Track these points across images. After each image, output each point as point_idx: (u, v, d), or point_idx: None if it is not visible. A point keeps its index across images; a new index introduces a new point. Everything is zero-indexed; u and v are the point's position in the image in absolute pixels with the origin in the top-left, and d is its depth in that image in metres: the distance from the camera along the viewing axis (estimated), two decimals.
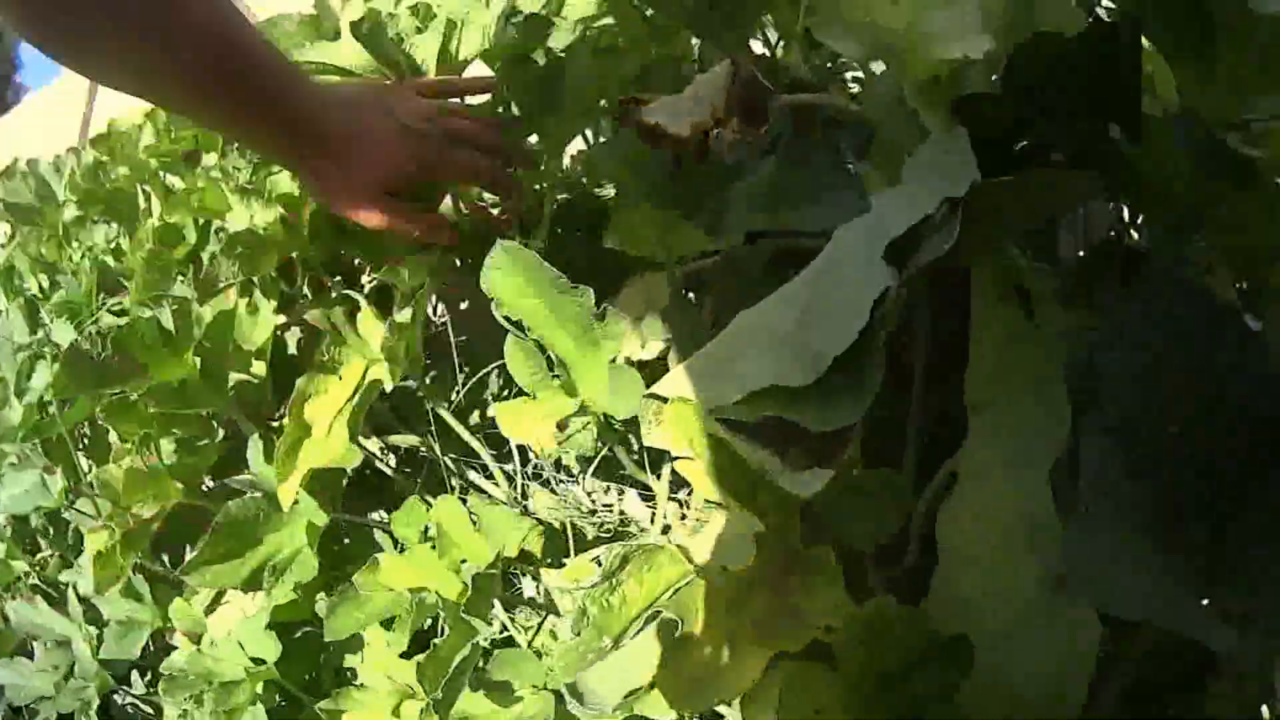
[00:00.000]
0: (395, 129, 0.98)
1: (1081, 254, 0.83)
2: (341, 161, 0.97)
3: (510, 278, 0.79)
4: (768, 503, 0.54)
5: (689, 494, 0.88)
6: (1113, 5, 0.79)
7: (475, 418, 1.09)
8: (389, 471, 1.09)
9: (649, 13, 1.01)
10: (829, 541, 0.57)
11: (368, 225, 1.00)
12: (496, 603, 0.94)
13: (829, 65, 1.07)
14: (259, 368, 1.20)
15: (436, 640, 0.83)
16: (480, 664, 0.85)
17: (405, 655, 0.97)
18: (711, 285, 0.82)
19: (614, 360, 0.76)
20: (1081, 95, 0.59)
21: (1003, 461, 0.58)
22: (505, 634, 0.93)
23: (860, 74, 1.07)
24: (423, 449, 1.07)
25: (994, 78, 0.65)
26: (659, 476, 0.87)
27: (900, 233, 0.54)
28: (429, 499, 0.96)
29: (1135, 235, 0.86)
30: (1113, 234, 0.86)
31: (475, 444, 0.99)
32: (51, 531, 1.63)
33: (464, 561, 0.87)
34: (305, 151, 0.97)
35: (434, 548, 0.90)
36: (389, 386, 0.92)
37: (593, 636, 0.55)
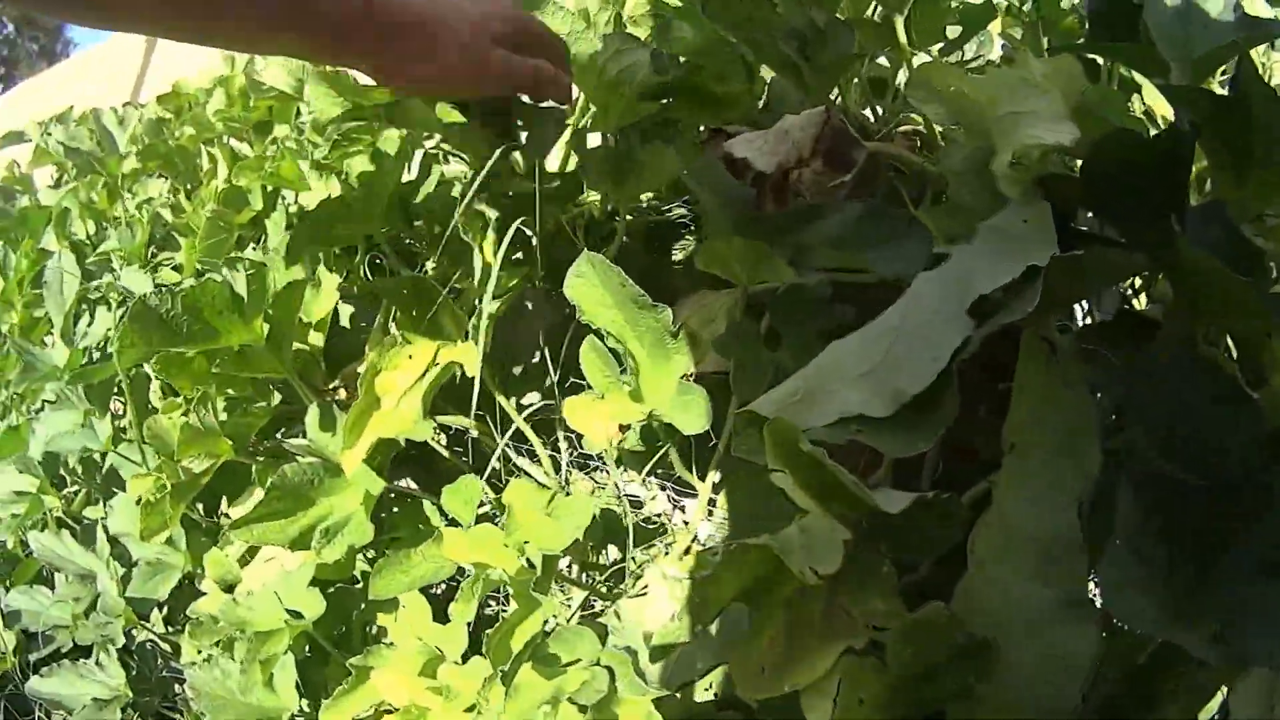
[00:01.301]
0: (479, 19, 0.96)
1: (1097, 315, 0.93)
2: (424, 51, 0.94)
3: (592, 287, 0.87)
4: (836, 512, 0.62)
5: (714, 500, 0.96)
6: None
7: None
8: (438, 448, 1.15)
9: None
10: (879, 550, 0.65)
11: (475, 94, 1.01)
12: None
13: (885, 114, 1.16)
14: (316, 339, 1.27)
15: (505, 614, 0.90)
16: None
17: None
18: (773, 311, 0.90)
19: (684, 377, 0.85)
20: (1147, 186, 0.68)
21: (1032, 498, 0.65)
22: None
23: (913, 125, 1.15)
24: (470, 430, 1.13)
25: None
26: (704, 478, 0.94)
27: (988, 291, 0.62)
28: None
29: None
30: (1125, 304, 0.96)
31: (526, 429, 1.05)
32: (79, 469, 1.69)
33: (526, 543, 0.93)
34: (369, 46, 0.93)
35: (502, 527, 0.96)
36: (473, 372, 0.99)
37: (689, 622, 0.63)
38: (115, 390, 1.51)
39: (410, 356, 1.04)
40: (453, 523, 1.05)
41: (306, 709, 1.24)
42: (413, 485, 1.22)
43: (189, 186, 1.60)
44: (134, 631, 1.58)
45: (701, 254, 0.83)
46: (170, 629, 1.56)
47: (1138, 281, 0.96)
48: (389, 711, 1.08)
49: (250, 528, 1.08)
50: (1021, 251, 0.64)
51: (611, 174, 1.00)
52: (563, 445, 1.08)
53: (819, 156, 0.91)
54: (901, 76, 1.18)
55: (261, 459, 1.25)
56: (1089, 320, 0.91)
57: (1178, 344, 0.73)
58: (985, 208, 0.76)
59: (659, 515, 1.06)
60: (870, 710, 0.62)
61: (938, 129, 1.05)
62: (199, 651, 1.43)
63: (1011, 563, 0.64)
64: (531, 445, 1.08)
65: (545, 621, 0.89)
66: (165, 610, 1.56)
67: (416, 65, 0.95)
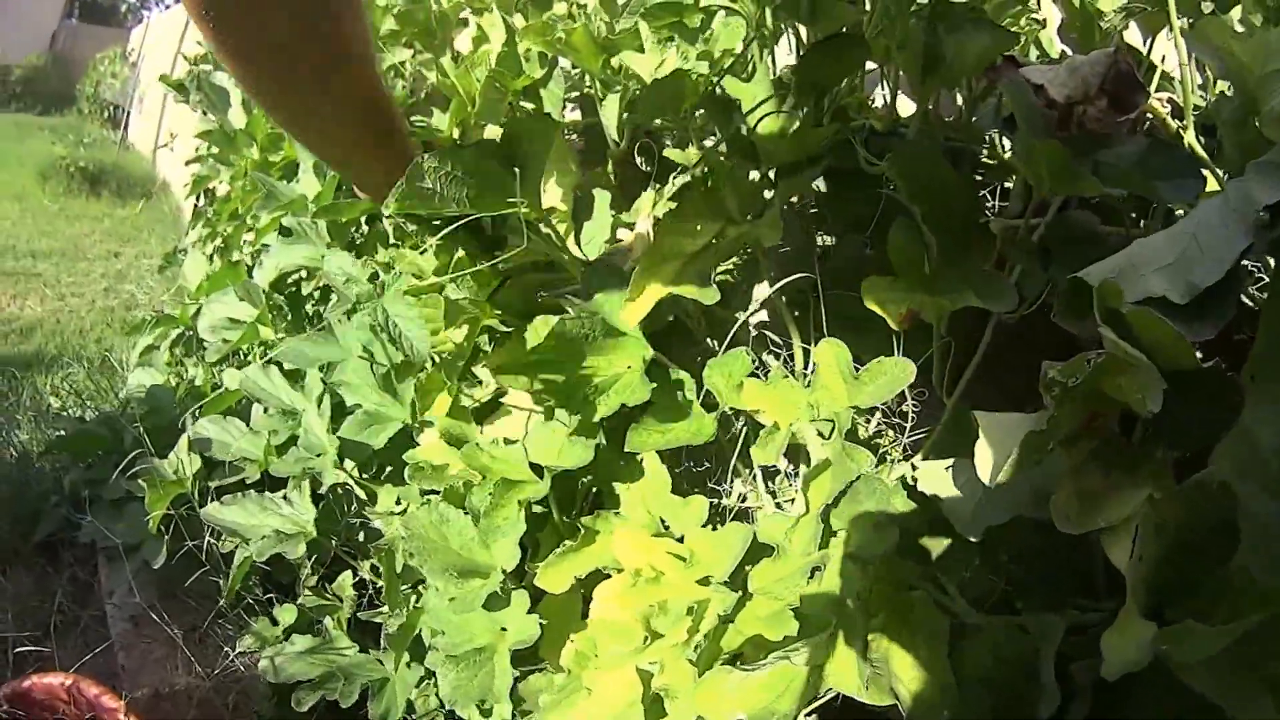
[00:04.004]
0: None
1: None
2: None
3: (914, 165, 1.07)
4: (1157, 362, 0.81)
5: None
6: None
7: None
8: (694, 328, 1.36)
9: None
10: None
11: None
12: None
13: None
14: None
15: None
16: None
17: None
18: (1050, 229, 1.12)
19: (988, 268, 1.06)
20: None
21: (1275, 421, 0.84)
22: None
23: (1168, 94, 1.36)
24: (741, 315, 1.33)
25: None
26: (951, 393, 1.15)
27: (1270, 202, 0.83)
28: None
29: None
30: None
31: (788, 319, 1.25)
32: (290, 315, 1.93)
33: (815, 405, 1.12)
34: None
35: (807, 385, 1.15)
36: (769, 244, 1.21)
37: (1018, 463, 0.85)
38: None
39: (698, 228, 1.25)
40: (707, 402, 1.25)
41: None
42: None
43: (441, 57, 1.81)
44: (323, 475, 1.79)
45: (1018, 154, 1.04)
46: (365, 477, 1.78)
47: None
48: (606, 576, 1.24)
49: (518, 376, 1.25)
50: None
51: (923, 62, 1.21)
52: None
53: (1104, 95, 1.12)
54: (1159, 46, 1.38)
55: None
56: None
57: None
58: (1251, 151, 0.97)
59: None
60: (1146, 569, 0.81)
61: (1193, 99, 1.25)
62: (398, 500, 1.67)
63: (1252, 478, 0.83)
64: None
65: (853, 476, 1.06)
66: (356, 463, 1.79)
67: None
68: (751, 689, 1.02)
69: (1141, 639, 0.78)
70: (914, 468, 1.08)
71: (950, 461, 1.05)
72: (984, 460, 0.90)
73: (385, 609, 1.65)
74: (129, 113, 14.20)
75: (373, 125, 1.29)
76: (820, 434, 1.13)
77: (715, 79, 1.34)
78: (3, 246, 7.36)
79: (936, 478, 1.04)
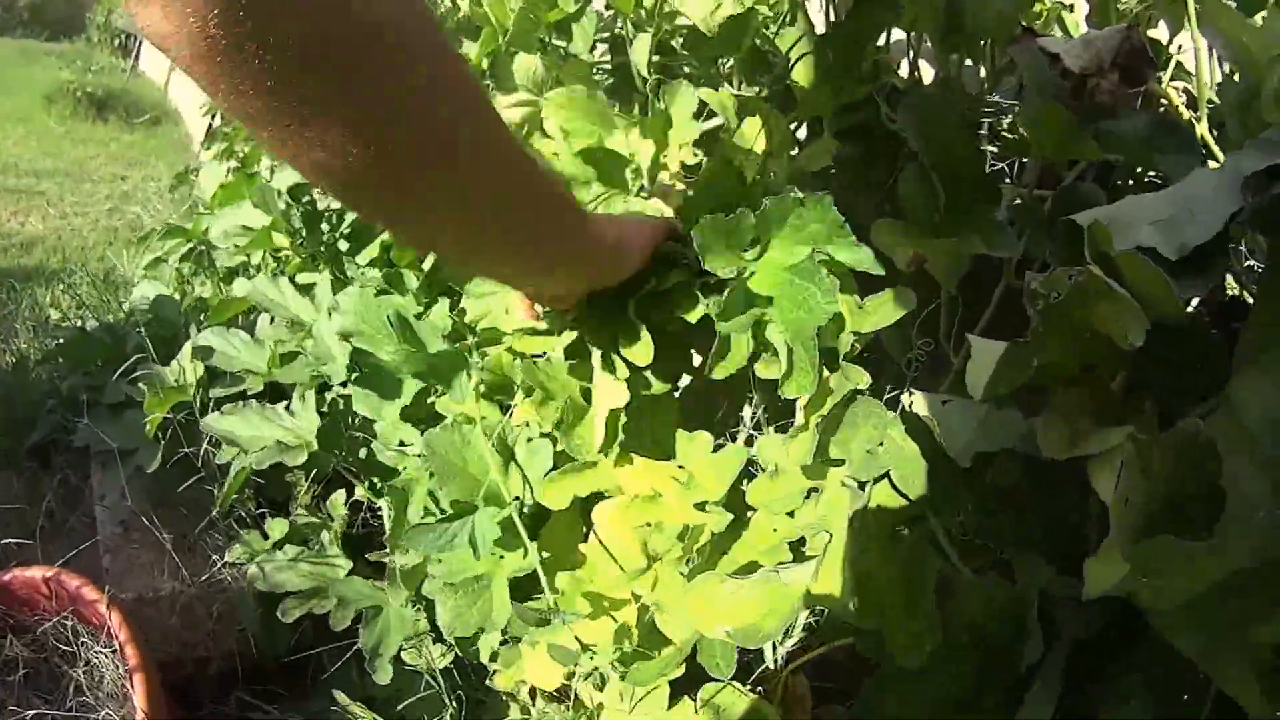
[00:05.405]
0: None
1: None
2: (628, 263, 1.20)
3: (923, 111, 1.16)
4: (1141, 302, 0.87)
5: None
6: None
7: None
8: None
9: None
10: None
11: None
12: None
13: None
14: None
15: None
16: None
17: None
18: (1054, 202, 1.19)
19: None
20: None
21: (1268, 391, 0.89)
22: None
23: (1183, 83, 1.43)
24: None
25: None
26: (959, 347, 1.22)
27: (1259, 168, 0.90)
28: None
29: None
30: None
31: None
32: (304, 232, 1.99)
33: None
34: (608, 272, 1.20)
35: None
36: (815, 167, 1.28)
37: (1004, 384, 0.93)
38: None
39: None
40: None
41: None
42: None
43: None
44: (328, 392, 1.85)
45: (1024, 119, 1.12)
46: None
47: None
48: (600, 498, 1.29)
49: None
50: None
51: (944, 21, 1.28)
52: None
53: (1116, 69, 1.19)
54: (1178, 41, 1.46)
55: None
56: None
57: None
58: (1254, 134, 1.04)
59: None
60: (1132, 516, 0.85)
61: (1207, 91, 1.31)
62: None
63: (1238, 450, 0.86)
64: None
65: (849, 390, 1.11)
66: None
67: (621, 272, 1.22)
68: (740, 604, 1.05)
69: (1122, 565, 0.83)
70: (909, 394, 1.13)
71: (945, 396, 1.11)
72: (975, 380, 0.96)
73: (387, 550, 1.68)
74: (141, 41, 14.21)
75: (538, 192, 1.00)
76: None
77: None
78: (4, 164, 7.41)
79: (931, 406, 1.09)
